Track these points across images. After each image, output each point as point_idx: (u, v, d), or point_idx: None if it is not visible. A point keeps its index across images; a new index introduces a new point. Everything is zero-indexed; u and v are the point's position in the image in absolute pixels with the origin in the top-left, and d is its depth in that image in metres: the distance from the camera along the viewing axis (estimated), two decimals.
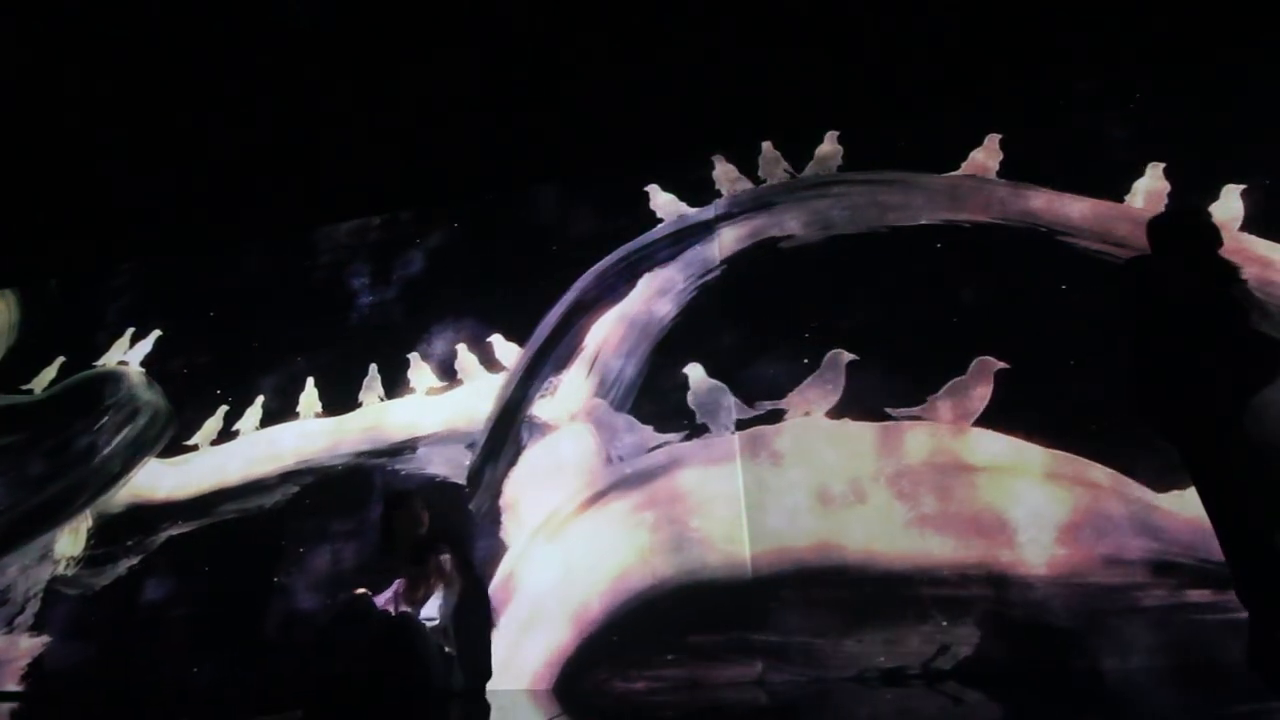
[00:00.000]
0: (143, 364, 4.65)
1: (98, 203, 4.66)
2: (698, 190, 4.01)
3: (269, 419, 4.22)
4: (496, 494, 3.62)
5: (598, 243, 4.05)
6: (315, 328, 4.40)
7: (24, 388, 4.82)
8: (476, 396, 3.90)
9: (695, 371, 3.61)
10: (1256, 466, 1.95)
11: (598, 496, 3.47)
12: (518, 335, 3.98)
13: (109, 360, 4.75)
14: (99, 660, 3.82)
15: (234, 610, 3.74)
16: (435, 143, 4.29)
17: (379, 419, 4.02)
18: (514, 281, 4.11)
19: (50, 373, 4.82)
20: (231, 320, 4.62)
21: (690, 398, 3.56)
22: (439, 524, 2.93)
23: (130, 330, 4.78)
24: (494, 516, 3.57)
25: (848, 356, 3.41)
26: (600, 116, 4.08)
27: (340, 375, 4.22)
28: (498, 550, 3.48)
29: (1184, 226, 2.32)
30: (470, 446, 3.78)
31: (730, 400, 3.49)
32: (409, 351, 4.14)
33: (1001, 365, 3.19)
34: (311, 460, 4.00)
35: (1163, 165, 3.34)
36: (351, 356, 4.24)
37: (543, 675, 3.15)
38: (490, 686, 2.68)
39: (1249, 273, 2.99)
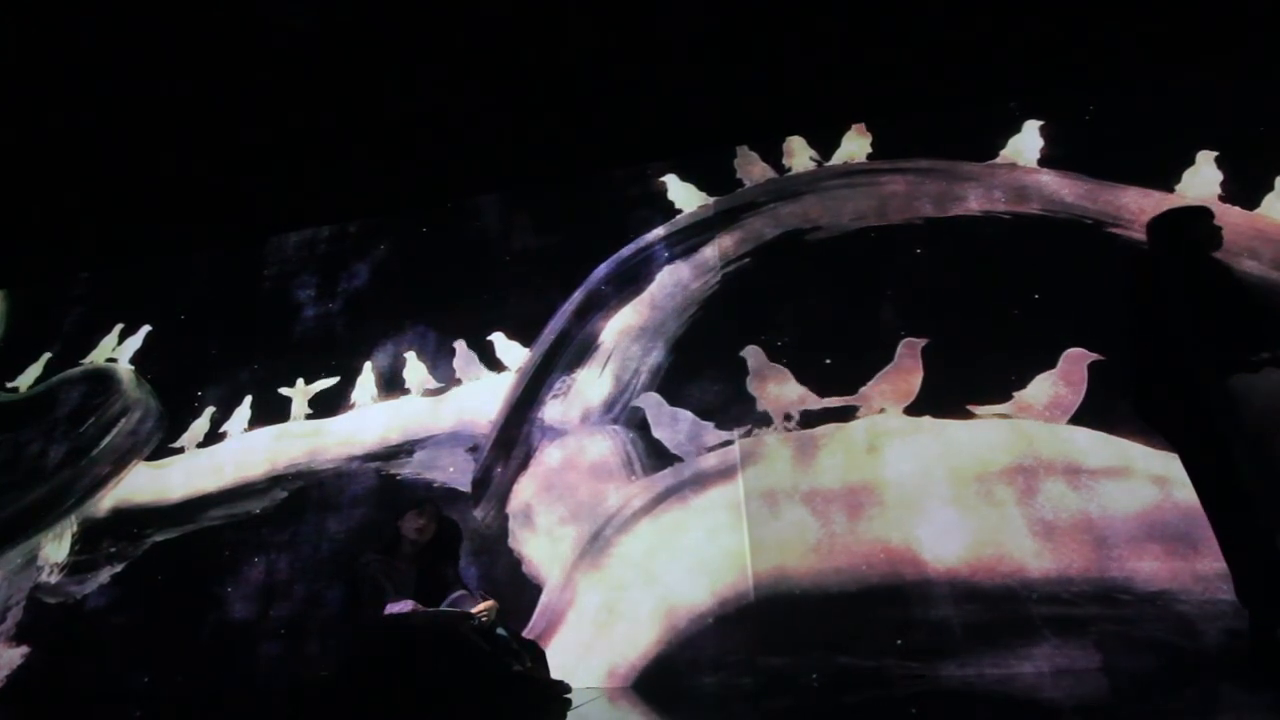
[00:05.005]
0: (131, 361, 4.51)
1: (86, 204, 4.55)
2: (715, 182, 3.90)
3: (256, 421, 4.10)
4: (505, 500, 3.49)
5: (603, 243, 3.95)
6: (290, 334, 4.30)
7: (9, 385, 4.66)
8: (475, 398, 3.77)
9: (754, 356, 3.42)
10: (1255, 468, 1.99)
11: (657, 500, 3.29)
12: (521, 336, 3.86)
13: (97, 357, 4.59)
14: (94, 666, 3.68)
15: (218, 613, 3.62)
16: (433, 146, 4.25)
17: (367, 423, 3.89)
18: (520, 280, 4.00)
19: (36, 369, 4.66)
20: (199, 325, 4.51)
21: (750, 383, 3.39)
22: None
23: (119, 326, 4.63)
24: (502, 523, 3.44)
25: (921, 343, 3.21)
26: (617, 108, 3.97)
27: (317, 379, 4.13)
28: (506, 556, 3.36)
29: (1184, 227, 2.31)
30: (472, 450, 3.67)
31: (794, 392, 3.31)
32: (385, 353, 4.06)
33: (1095, 358, 2.97)
34: (301, 464, 3.88)
35: (1214, 154, 3.21)
36: (319, 361, 4.16)
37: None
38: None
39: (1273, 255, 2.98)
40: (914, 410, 3.14)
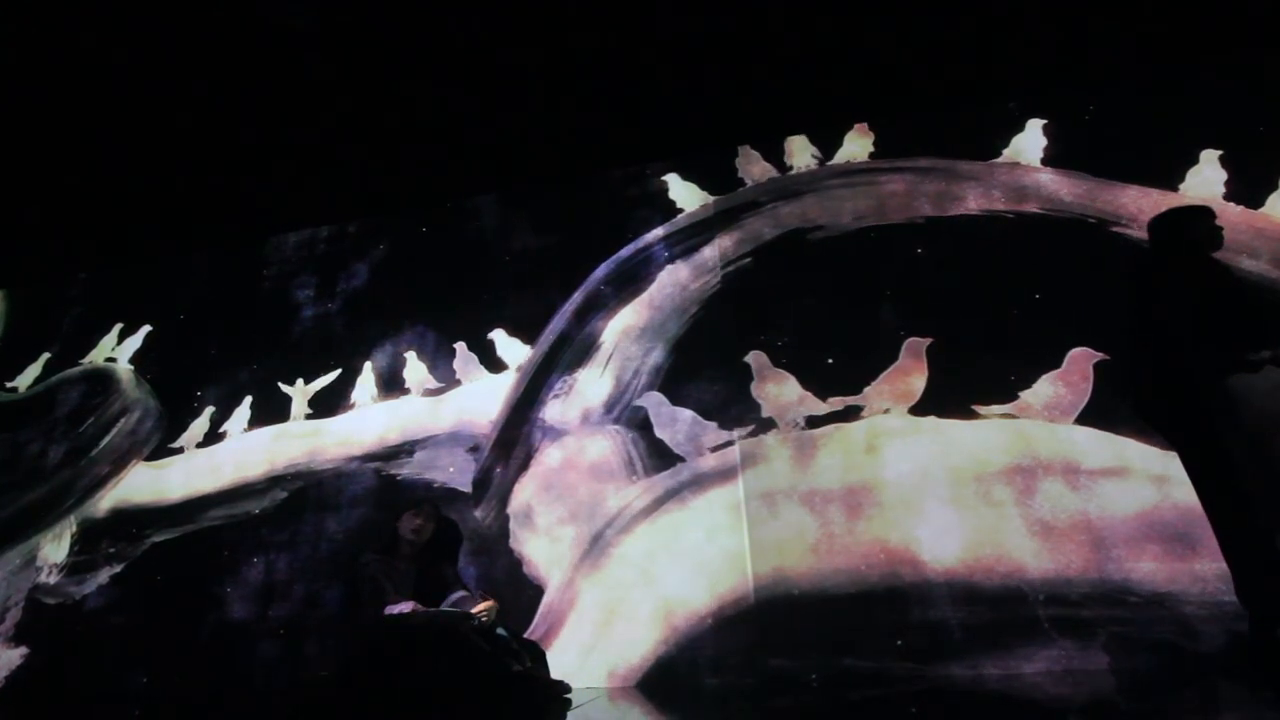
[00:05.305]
0: (131, 361, 4.51)
1: (86, 204, 4.55)
2: (715, 181, 3.90)
3: (256, 421, 4.11)
4: (505, 500, 3.48)
5: (603, 242, 3.96)
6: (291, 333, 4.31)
7: (9, 385, 4.66)
8: (475, 398, 3.77)
9: (758, 361, 3.41)
10: (1255, 468, 1.99)
11: (657, 501, 3.29)
12: (521, 336, 3.86)
13: (97, 357, 4.59)
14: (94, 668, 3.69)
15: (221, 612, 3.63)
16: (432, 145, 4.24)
17: (367, 423, 3.89)
18: (520, 280, 4.00)
19: (36, 369, 4.66)
20: (199, 325, 4.52)
21: (754, 388, 3.38)
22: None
23: (119, 326, 4.63)
24: (502, 523, 3.44)
25: (925, 343, 3.21)
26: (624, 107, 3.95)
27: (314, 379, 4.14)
28: (506, 556, 3.36)
29: (1184, 227, 2.31)
30: (473, 450, 3.67)
31: (798, 394, 3.30)
32: (392, 352, 4.06)
33: (1101, 357, 2.97)
34: (300, 465, 3.88)
35: (1218, 153, 3.19)
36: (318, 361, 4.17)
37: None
38: None
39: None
40: (917, 410, 3.13)
